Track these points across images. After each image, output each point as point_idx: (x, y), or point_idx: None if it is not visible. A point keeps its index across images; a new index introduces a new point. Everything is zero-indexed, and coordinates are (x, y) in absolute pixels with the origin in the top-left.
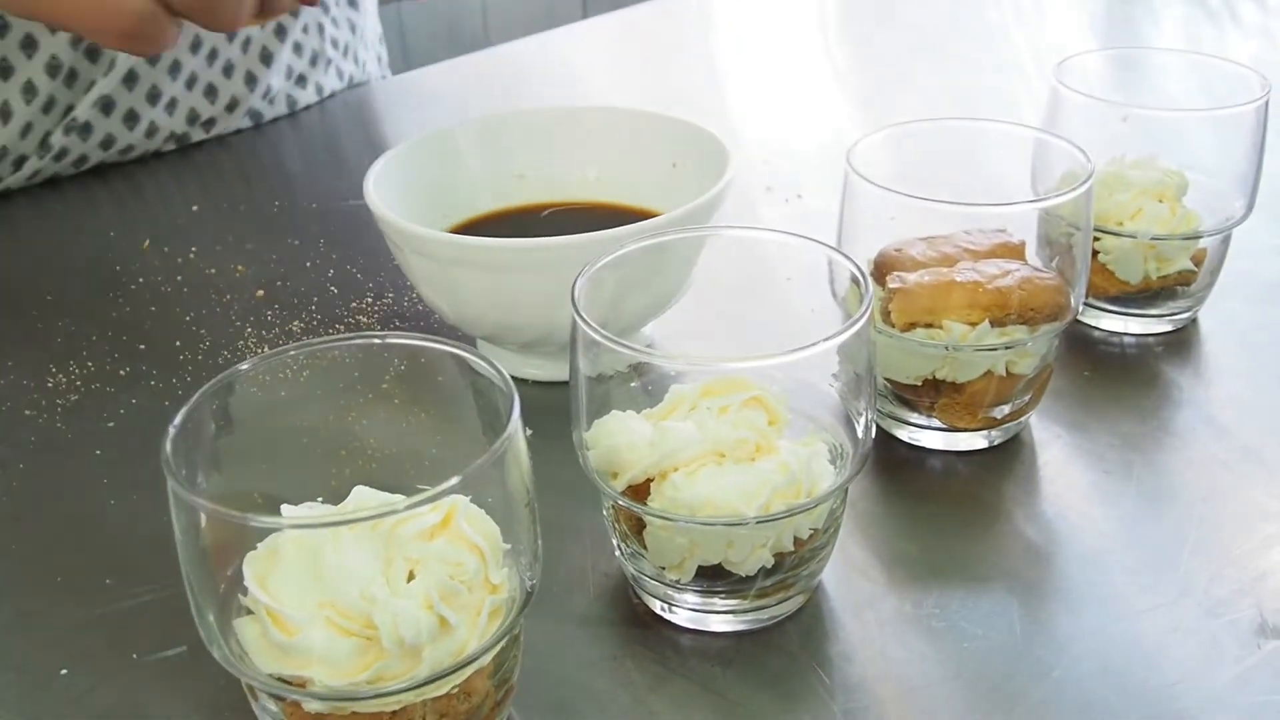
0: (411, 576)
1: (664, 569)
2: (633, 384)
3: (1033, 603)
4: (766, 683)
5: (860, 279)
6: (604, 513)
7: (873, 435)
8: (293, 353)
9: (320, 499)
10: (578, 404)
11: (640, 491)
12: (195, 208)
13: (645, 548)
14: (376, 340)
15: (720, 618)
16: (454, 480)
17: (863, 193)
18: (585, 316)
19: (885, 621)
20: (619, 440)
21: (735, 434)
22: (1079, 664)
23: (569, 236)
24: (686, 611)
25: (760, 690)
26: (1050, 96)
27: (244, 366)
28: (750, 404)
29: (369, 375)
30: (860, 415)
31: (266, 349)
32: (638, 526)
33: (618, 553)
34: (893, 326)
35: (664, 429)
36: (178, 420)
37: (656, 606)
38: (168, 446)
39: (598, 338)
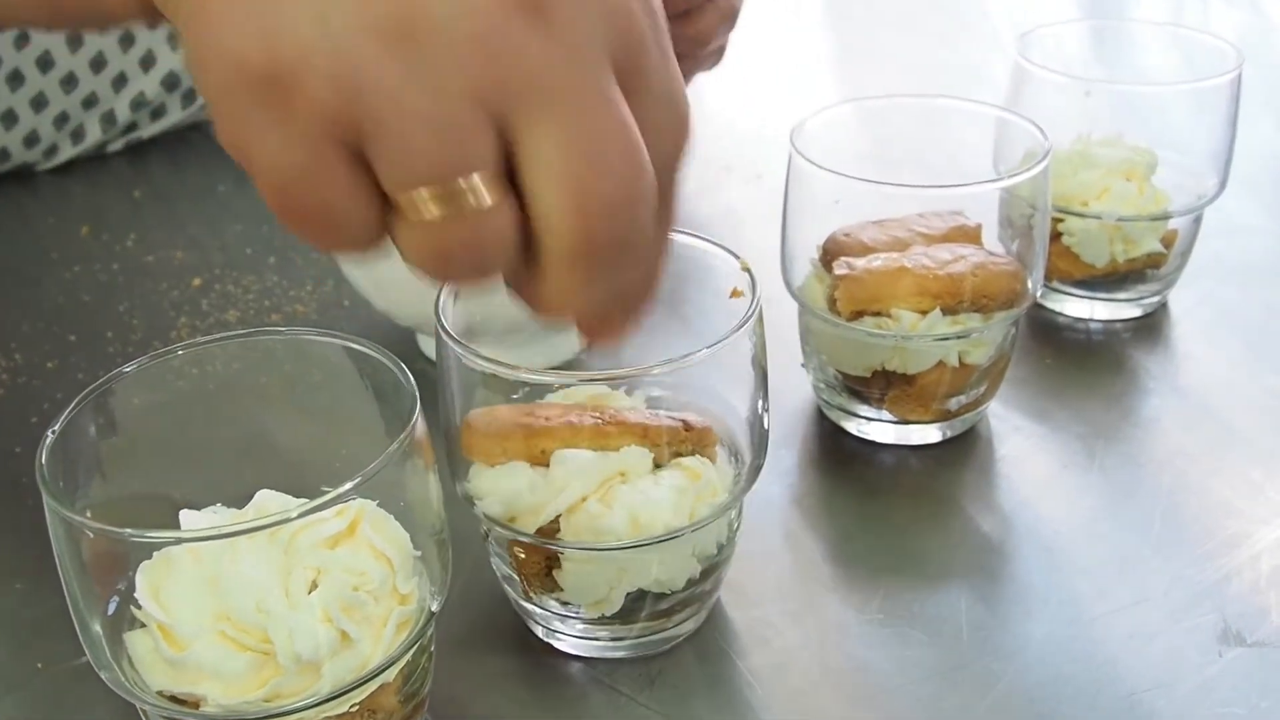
0: (314, 587)
1: (582, 607)
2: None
3: (983, 605)
4: (698, 694)
5: (749, 278)
6: (498, 568)
7: (767, 424)
8: (183, 352)
9: (221, 504)
10: (451, 442)
11: (545, 533)
12: (137, 193)
13: (558, 589)
14: (277, 336)
15: (622, 645)
16: (348, 485)
17: (808, 175)
18: (448, 326)
19: (827, 627)
20: (519, 482)
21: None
22: (1029, 673)
23: None
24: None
25: (692, 701)
26: (1013, 71)
27: (129, 368)
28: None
29: (271, 374)
30: (764, 413)
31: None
32: (546, 569)
33: (522, 601)
34: (839, 315)
35: (561, 458)
36: (56, 428)
37: (565, 644)
38: (44, 456)
39: (456, 348)
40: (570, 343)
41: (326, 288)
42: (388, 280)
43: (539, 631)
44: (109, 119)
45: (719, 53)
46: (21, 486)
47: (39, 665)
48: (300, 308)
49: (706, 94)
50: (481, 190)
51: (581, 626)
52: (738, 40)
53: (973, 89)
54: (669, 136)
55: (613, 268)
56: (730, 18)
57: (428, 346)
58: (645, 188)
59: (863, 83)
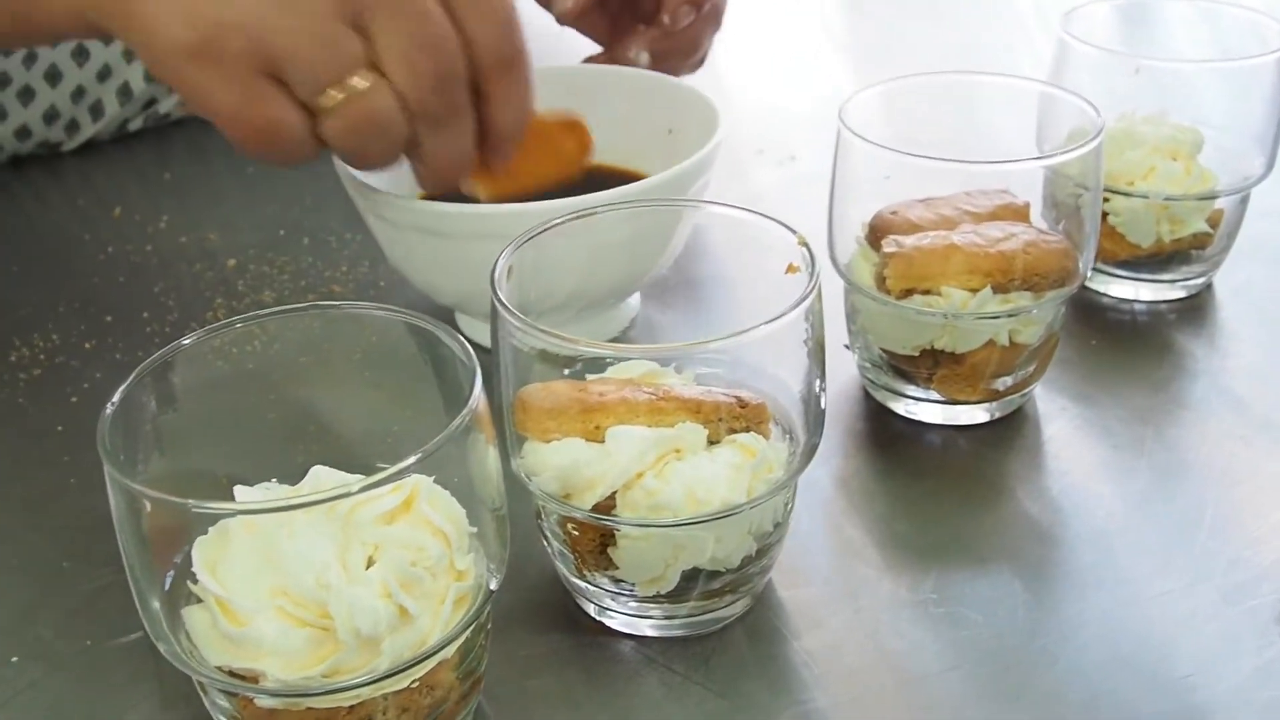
0: (371, 563)
1: (635, 585)
2: (564, 372)
3: (1037, 586)
4: (752, 674)
5: (806, 254)
6: (550, 545)
7: (824, 403)
8: (240, 326)
9: (275, 480)
10: (504, 419)
11: (600, 509)
12: (168, 175)
13: (613, 567)
14: (332, 311)
15: (674, 624)
16: (410, 460)
17: (857, 151)
18: (503, 297)
19: (880, 608)
20: (574, 458)
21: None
22: (1086, 653)
23: (515, 204)
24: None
25: (745, 682)
26: (1057, 49)
27: (186, 341)
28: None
29: (326, 349)
30: (821, 392)
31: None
32: (600, 547)
33: (574, 579)
34: (888, 293)
35: (616, 434)
36: (116, 399)
37: (616, 622)
38: (104, 428)
39: (513, 320)
40: (619, 319)
41: (362, 268)
42: (427, 258)
43: (590, 610)
44: (125, 91)
45: (702, 60)
46: (63, 465)
47: (87, 642)
48: (337, 288)
49: (742, 81)
50: (361, 78)
51: (634, 605)
52: (767, 23)
53: (1000, 70)
54: (486, 29)
55: (441, 122)
56: (715, 22)
57: (467, 325)
58: (454, 62)
59: (893, 65)
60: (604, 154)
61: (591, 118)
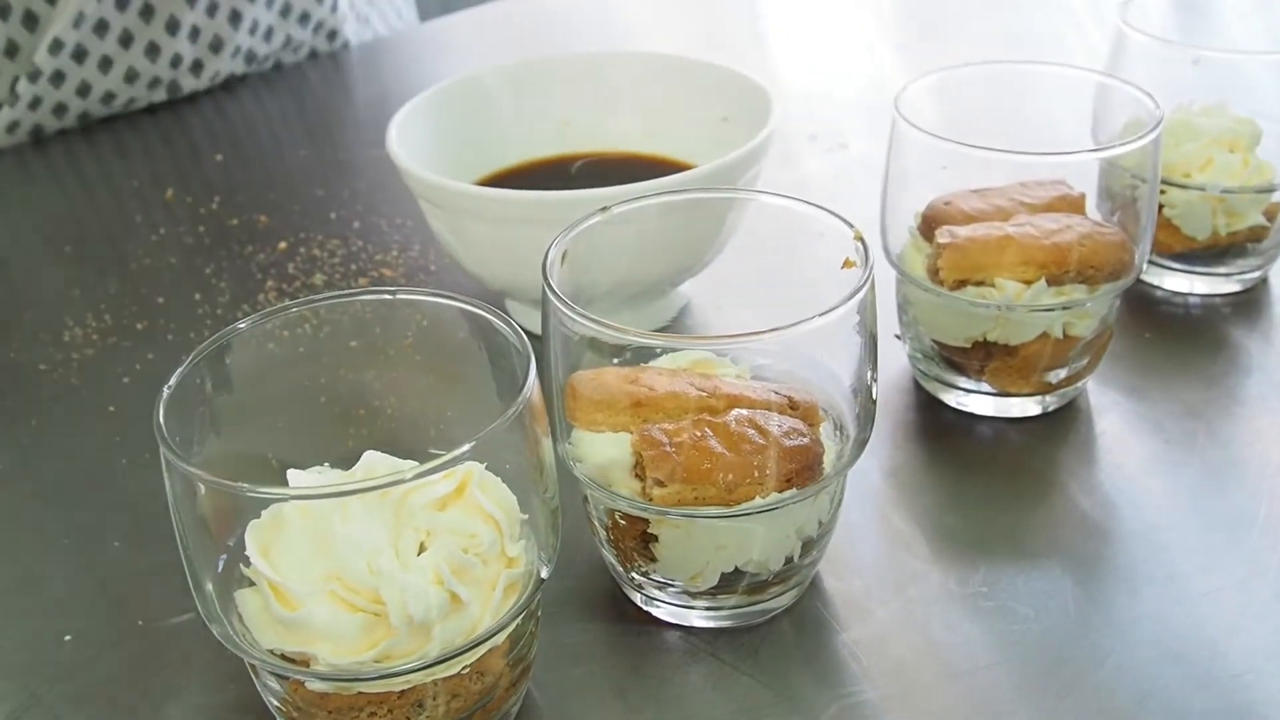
0: (423, 549)
1: (675, 580)
2: (614, 360)
3: (1088, 582)
4: (799, 665)
5: (862, 249)
6: (597, 532)
7: (875, 394)
8: (295, 310)
9: (328, 464)
10: (552, 401)
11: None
12: (220, 157)
13: (655, 561)
14: (386, 297)
15: (720, 615)
16: (465, 447)
17: (911, 141)
18: (555, 287)
19: (928, 600)
20: (622, 449)
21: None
22: (1138, 649)
23: (572, 191)
24: (700, 613)
25: (792, 672)
26: (1114, 38)
27: (242, 325)
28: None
29: (379, 334)
30: (872, 383)
31: (287, 302)
32: (643, 541)
33: (622, 570)
34: (941, 284)
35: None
36: (172, 382)
37: (663, 612)
38: (161, 411)
39: (563, 308)
40: (670, 306)
41: (413, 252)
42: (479, 244)
43: (637, 599)
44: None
45: None
46: (116, 445)
47: (139, 622)
48: (387, 271)
49: (792, 67)
50: None
51: (680, 596)
52: (820, 8)
53: (1051, 59)
54: None
55: None
56: None
57: (517, 311)
58: None
59: (945, 52)
60: (659, 142)
61: (648, 105)
